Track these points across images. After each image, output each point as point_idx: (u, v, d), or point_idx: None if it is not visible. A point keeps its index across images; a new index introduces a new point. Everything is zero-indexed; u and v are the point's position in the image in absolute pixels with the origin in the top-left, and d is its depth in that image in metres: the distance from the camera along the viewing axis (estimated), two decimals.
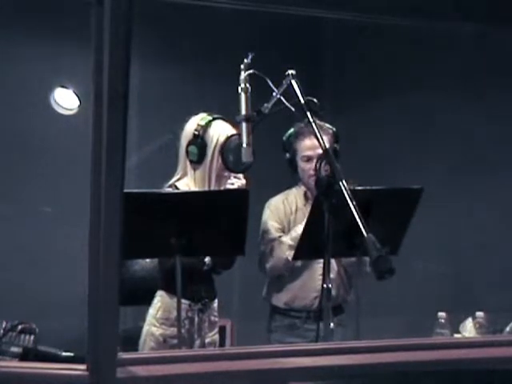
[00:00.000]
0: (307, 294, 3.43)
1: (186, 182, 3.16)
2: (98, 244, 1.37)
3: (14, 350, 2.24)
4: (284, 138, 3.42)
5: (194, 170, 3.15)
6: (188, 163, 3.15)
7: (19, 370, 1.48)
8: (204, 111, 3.19)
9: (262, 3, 4.49)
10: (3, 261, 4.28)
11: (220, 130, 3.12)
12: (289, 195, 3.54)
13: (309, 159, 3.34)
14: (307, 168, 3.36)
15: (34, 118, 4.61)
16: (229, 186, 3.14)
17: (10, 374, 1.43)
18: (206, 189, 3.11)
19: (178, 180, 3.17)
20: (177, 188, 3.13)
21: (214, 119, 3.14)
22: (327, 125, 3.33)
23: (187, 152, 3.13)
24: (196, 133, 3.11)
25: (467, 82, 4.65)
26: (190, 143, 3.12)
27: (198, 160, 3.12)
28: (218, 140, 3.10)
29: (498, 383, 1.71)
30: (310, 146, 3.32)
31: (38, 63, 4.62)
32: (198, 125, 3.13)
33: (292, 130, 3.39)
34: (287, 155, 3.42)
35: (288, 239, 3.38)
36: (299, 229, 3.24)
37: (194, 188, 3.13)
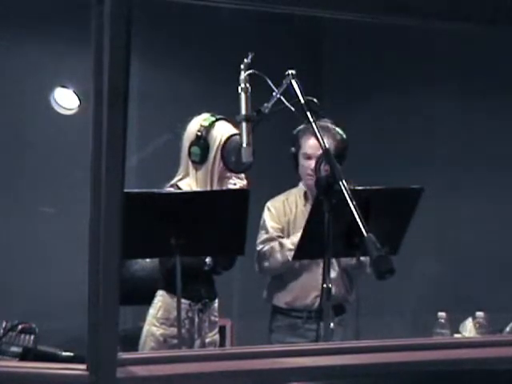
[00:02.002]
0: (308, 294, 3.43)
1: (188, 182, 3.15)
2: (97, 244, 1.37)
3: (14, 349, 2.24)
4: (294, 132, 3.43)
5: (196, 170, 3.14)
6: (190, 163, 3.15)
7: (19, 370, 1.48)
8: (206, 111, 3.19)
9: (262, 3, 4.48)
10: (3, 261, 4.29)
11: (223, 131, 3.11)
12: (289, 195, 3.53)
13: (308, 157, 3.36)
14: (306, 165, 3.38)
15: (34, 118, 4.62)
16: (231, 187, 3.13)
17: (9, 373, 1.43)
18: (208, 189, 3.11)
19: (180, 180, 3.16)
20: (179, 188, 3.13)
21: (217, 120, 3.13)
22: (338, 129, 3.30)
23: (189, 152, 3.13)
24: (199, 134, 3.10)
25: (467, 81, 4.65)
26: (192, 144, 3.11)
27: (200, 161, 3.11)
28: (220, 141, 3.10)
29: (498, 383, 1.71)
30: (312, 145, 3.32)
31: (38, 63, 4.62)
32: (201, 126, 3.11)
33: (303, 125, 3.39)
34: (292, 149, 3.43)
35: (289, 243, 3.36)
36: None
37: (195, 188, 3.12)
